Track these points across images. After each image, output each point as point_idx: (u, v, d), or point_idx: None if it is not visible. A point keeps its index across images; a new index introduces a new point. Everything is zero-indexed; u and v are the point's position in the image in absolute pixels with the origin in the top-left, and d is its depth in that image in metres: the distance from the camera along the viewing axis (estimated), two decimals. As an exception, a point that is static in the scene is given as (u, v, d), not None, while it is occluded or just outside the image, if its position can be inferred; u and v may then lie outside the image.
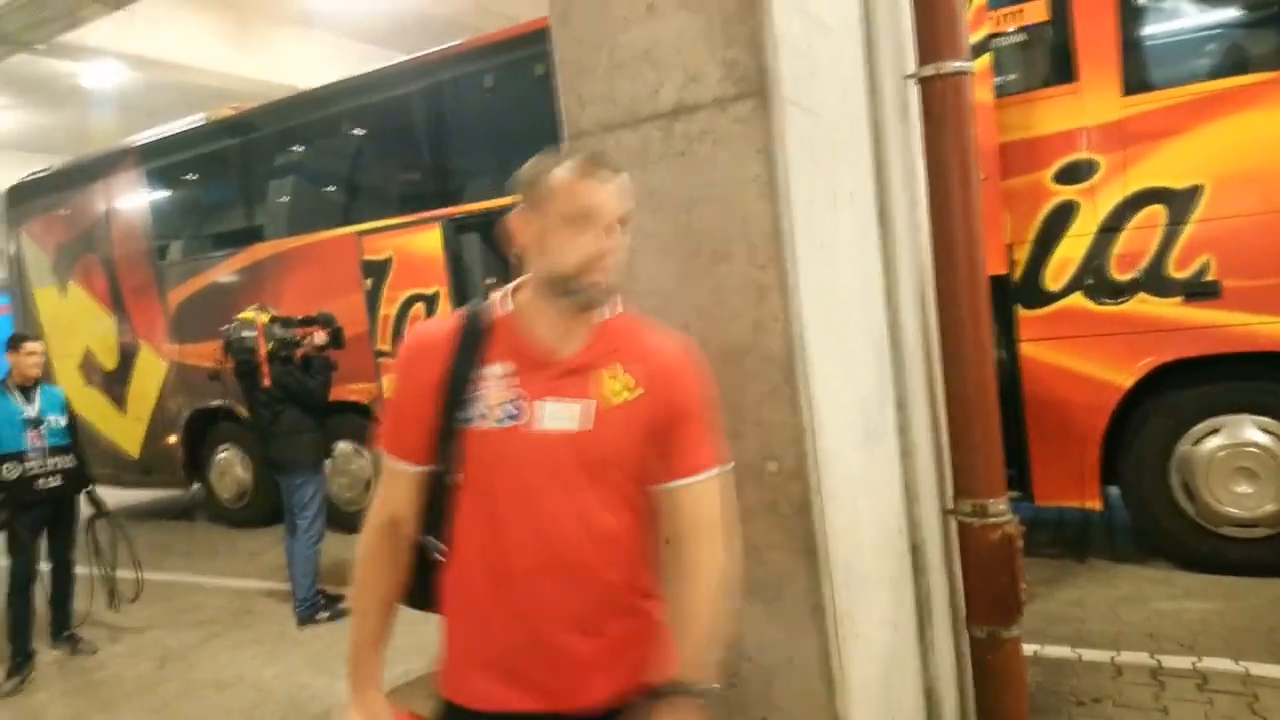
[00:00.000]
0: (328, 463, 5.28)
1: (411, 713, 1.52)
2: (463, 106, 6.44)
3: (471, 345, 1.39)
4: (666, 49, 1.65)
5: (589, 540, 1.36)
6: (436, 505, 1.42)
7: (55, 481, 4.63)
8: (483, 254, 6.62)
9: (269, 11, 12.08)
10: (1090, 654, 3.50)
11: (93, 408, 8.04)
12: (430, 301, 6.28)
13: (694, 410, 1.43)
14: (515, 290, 1.43)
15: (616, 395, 1.37)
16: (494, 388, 1.37)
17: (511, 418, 1.36)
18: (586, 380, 1.37)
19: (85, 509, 4.87)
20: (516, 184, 1.40)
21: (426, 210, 6.29)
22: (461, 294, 6.14)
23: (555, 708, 1.37)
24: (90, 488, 4.87)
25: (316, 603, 4.95)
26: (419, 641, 4.88)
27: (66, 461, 4.70)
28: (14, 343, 4.72)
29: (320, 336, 5.08)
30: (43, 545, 4.69)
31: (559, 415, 1.35)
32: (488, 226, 6.33)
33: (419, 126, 6.64)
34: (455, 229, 6.22)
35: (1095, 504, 4.30)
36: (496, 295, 1.44)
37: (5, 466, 4.48)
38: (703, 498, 1.42)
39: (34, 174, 9.13)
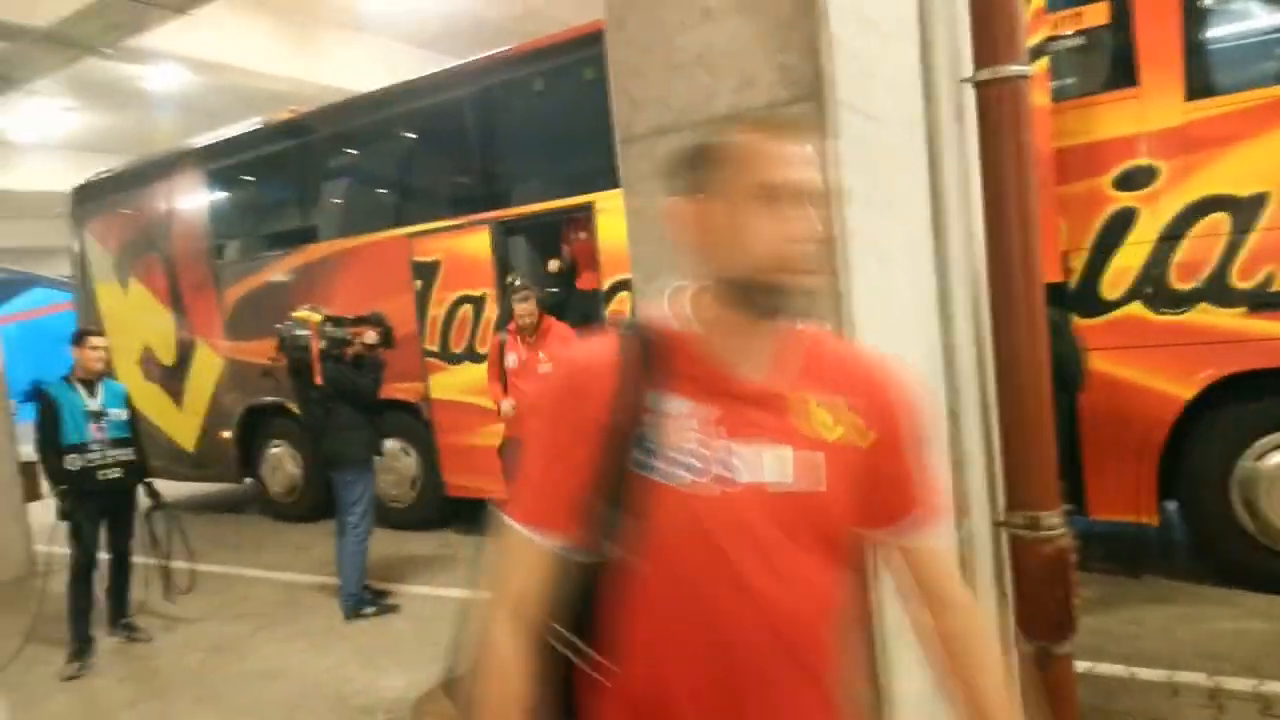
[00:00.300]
0: (377, 460, 5.35)
1: None
2: (512, 111, 6.50)
3: (642, 373, 1.06)
4: (722, 53, 1.65)
5: (820, 623, 1.10)
6: (588, 594, 1.07)
7: (115, 473, 4.76)
8: (529, 256, 6.69)
9: (326, 17, 12.33)
10: (1145, 673, 3.40)
11: (151, 402, 8.27)
12: (478, 303, 6.35)
13: (920, 444, 1.18)
14: (683, 297, 1.12)
15: (830, 431, 1.09)
16: (682, 429, 1.05)
17: (713, 471, 1.04)
18: (793, 414, 1.08)
19: (143, 500, 5.02)
20: (676, 165, 1.11)
21: (476, 213, 6.37)
22: (508, 296, 6.20)
23: None
24: (148, 480, 5.01)
25: (363, 598, 5.03)
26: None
27: (126, 454, 4.83)
28: (79, 338, 4.87)
29: (371, 335, 5.16)
30: (102, 536, 4.83)
31: (773, 465, 1.06)
32: (535, 229, 6.39)
33: (469, 130, 6.73)
34: (503, 231, 6.29)
35: (1152, 519, 4.19)
36: (663, 304, 1.13)
37: (68, 458, 4.62)
38: (943, 549, 1.19)
39: (98, 174, 9.44)
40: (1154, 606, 4.05)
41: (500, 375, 5.28)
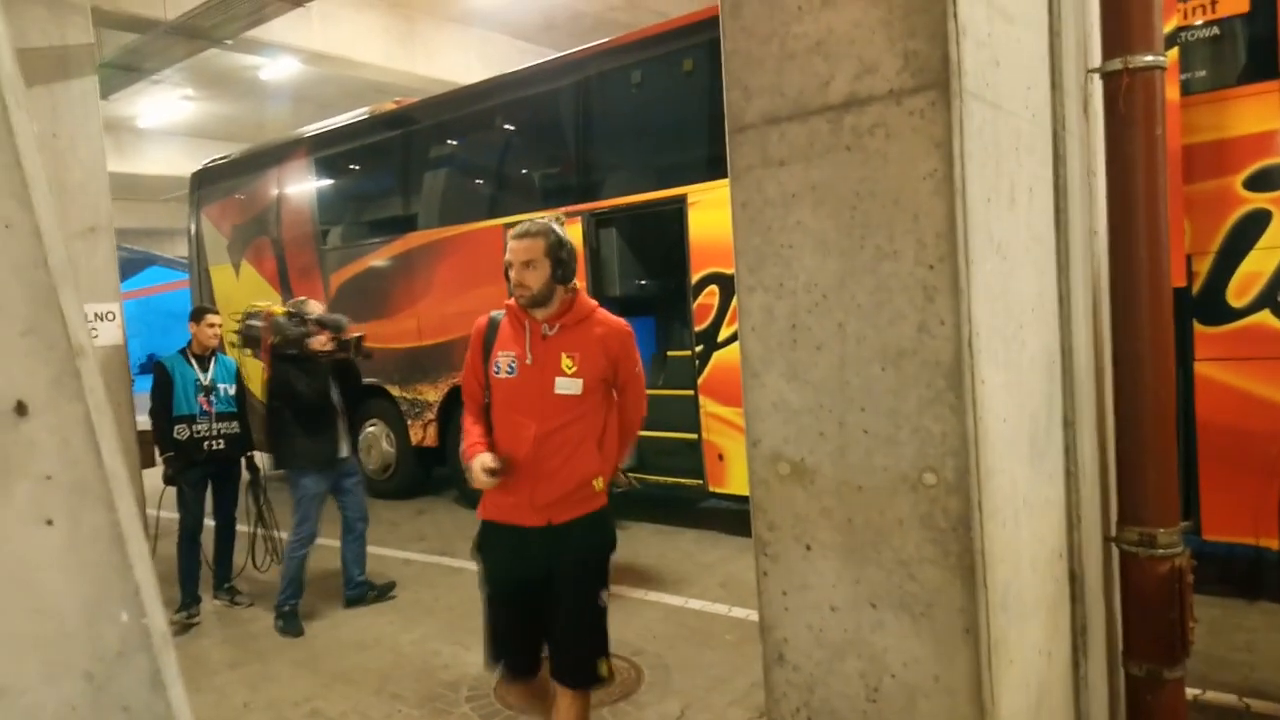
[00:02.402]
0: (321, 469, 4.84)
1: None
2: (610, 102, 6.52)
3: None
4: (841, 40, 1.60)
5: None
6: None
7: (220, 445, 5.00)
8: (620, 248, 6.71)
9: (433, 10, 12.63)
10: (1261, 704, 3.21)
11: (255, 380, 8.62)
12: (569, 293, 6.39)
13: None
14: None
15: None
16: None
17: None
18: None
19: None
20: None
21: (569, 205, 6.41)
22: (598, 287, 6.23)
23: None
24: (250, 453, 5.24)
25: (365, 589, 5.07)
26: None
27: (231, 427, 5.06)
28: (197, 314, 5.13)
29: (322, 340, 4.66)
30: (209, 502, 5.07)
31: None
32: (626, 221, 6.40)
33: (566, 122, 6.78)
34: (595, 223, 6.32)
35: (1271, 542, 3.93)
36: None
37: (176, 428, 4.88)
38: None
39: (214, 160, 9.90)
40: (1271, 634, 3.80)
41: (482, 391, 2.71)
